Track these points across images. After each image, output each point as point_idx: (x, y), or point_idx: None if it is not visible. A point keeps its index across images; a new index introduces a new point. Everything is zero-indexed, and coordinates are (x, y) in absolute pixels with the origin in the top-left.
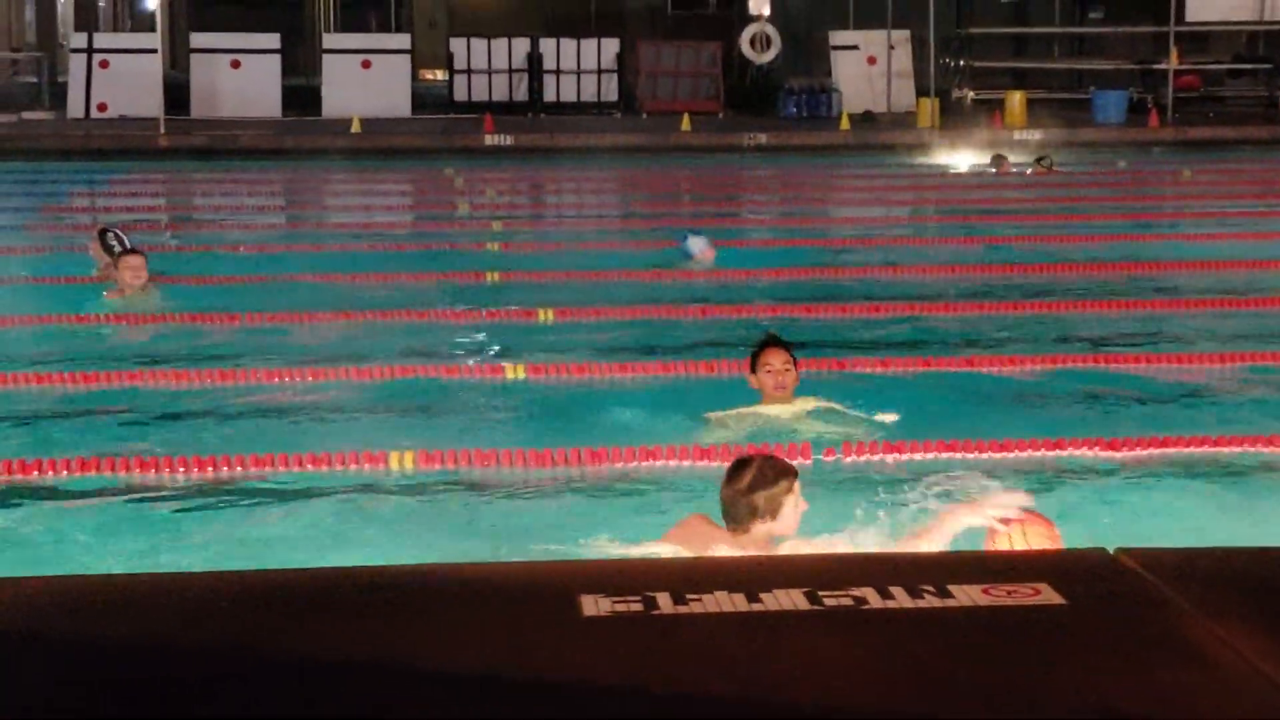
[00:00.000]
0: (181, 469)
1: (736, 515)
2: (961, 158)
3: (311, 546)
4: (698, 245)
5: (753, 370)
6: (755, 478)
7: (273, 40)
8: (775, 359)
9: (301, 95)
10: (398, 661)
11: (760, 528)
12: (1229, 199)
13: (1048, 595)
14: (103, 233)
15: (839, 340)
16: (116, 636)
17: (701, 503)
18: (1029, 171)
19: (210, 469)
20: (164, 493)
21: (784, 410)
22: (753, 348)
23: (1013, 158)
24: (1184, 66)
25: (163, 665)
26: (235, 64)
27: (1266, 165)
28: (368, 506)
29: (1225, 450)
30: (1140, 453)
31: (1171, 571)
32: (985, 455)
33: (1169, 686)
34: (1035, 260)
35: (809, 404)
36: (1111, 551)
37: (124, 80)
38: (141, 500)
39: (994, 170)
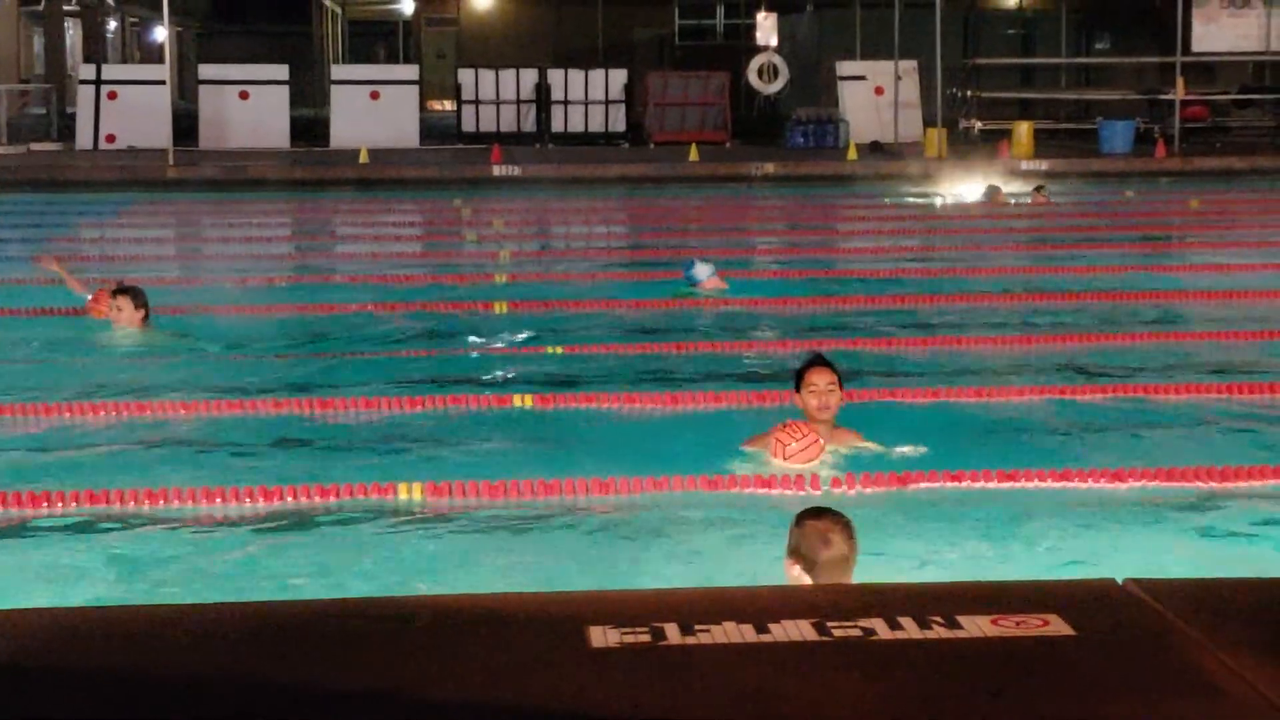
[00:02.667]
0: (190, 501)
1: (846, 569)
2: (968, 188)
3: (318, 578)
4: (704, 272)
5: (797, 389)
6: (846, 530)
7: (281, 71)
8: (820, 378)
9: (310, 126)
10: (405, 693)
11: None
12: (1237, 229)
13: (1057, 626)
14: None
15: (849, 370)
16: (116, 670)
17: (710, 531)
18: (1029, 201)
19: (219, 500)
20: (171, 525)
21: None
22: (798, 367)
23: (1009, 188)
24: (1190, 97)
25: (166, 700)
26: (244, 95)
27: (1274, 195)
28: (376, 538)
29: (1234, 483)
30: (1148, 484)
31: (1182, 602)
32: (994, 485)
33: (1180, 719)
34: (1040, 290)
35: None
36: (1121, 582)
37: (132, 111)
38: (143, 532)
39: (987, 201)
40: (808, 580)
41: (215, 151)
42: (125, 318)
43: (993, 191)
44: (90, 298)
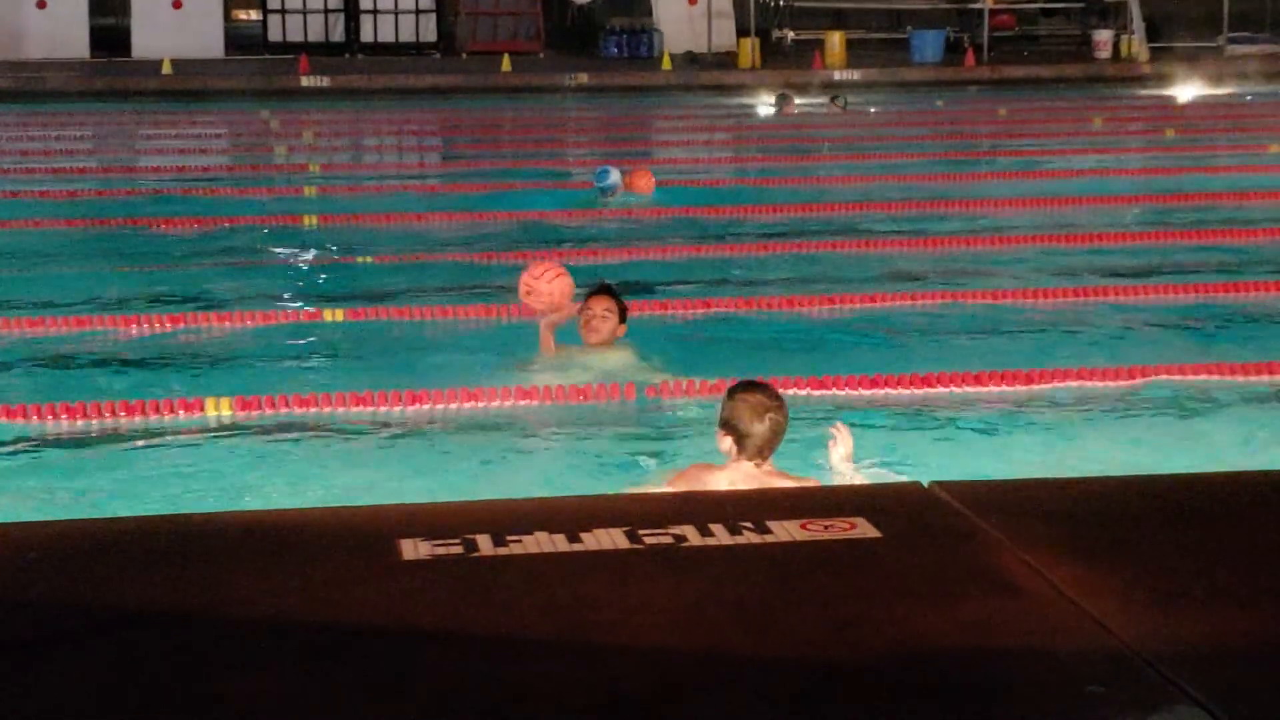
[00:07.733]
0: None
1: (775, 442)
2: (769, 98)
3: (126, 495)
4: (614, 176)
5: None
6: (781, 406)
7: None
8: (596, 305)
9: (110, 36)
10: (215, 609)
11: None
12: (1043, 136)
13: (863, 529)
14: None
15: (661, 281)
16: None
17: (523, 442)
18: (825, 111)
19: (19, 418)
20: None
21: (606, 356)
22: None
23: (803, 98)
24: (999, 6)
25: None
26: (41, 4)
27: (1079, 102)
28: (183, 453)
29: (1039, 386)
30: (955, 389)
31: (984, 504)
32: (805, 391)
33: (981, 615)
34: (849, 199)
35: (628, 351)
36: (926, 485)
37: None
38: None
39: (778, 111)
40: (737, 453)
41: (11, 62)
42: None
43: (784, 100)
44: None
